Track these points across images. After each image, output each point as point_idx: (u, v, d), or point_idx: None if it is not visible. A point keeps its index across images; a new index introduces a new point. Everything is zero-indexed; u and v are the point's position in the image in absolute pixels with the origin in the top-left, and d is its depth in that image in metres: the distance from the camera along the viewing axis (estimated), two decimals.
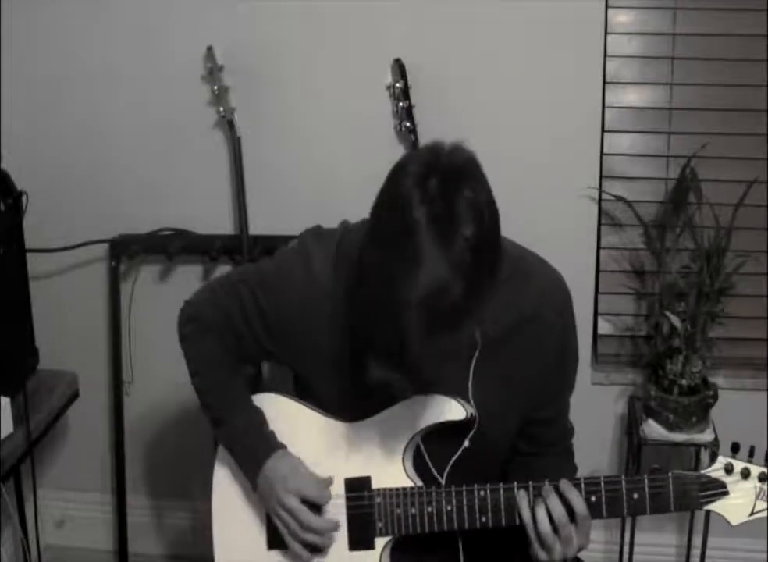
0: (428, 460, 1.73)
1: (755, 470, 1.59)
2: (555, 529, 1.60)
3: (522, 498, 1.64)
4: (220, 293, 1.79)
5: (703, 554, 2.57)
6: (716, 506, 1.60)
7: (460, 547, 1.75)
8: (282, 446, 1.76)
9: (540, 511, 1.61)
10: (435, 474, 1.73)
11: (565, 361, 1.75)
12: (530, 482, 1.65)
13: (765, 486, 1.58)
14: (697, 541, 2.60)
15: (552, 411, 1.78)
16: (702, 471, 1.61)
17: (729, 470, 1.59)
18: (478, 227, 1.39)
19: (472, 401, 1.68)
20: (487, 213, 1.41)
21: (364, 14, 2.51)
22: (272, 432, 1.77)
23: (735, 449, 1.61)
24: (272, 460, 1.74)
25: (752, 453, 1.60)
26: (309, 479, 1.73)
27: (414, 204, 1.38)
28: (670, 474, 1.60)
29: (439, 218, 1.37)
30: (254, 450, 1.76)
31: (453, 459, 1.71)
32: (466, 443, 1.70)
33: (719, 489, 1.59)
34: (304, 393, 1.80)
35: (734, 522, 1.60)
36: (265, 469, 1.73)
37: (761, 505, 1.59)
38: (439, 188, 1.39)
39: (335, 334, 1.68)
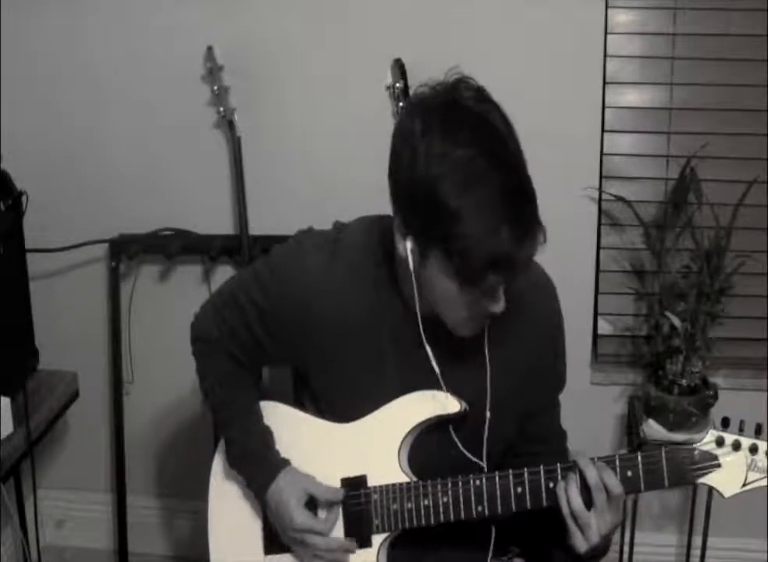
0: (461, 447, 1.72)
1: (746, 442, 1.59)
2: (587, 503, 1.59)
3: (558, 483, 1.63)
4: (220, 305, 1.81)
5: (703, 554, 2.58)
6: (708, 479, 1.60)
7: (492, 537, 1.75)
8: (286, 464, 1.77)
9: (572, 490, 1.61)
10: (472, 457, 1.71)
11: (556, 354, 1.78)
12: (541, 467, 1.64)
13: (756, 457, 1.58)
14: (697, 541, 2.60)
15: (548, 402, 1.80)
16: (694, 445, 1.61)
17: (720, 442, 1.59)
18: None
19: (489, 385, 1.68)
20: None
21: (364, 14, 2.51)
22: (277, 451, 1.79)
23: (726, 423, 1.61)
24: (275, 483, 1.75)
25: (741, 428, 1.61)
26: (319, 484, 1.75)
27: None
28: (662, 448, 1.61)
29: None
30: (259, 472, 1.77)
31: (485, 435, 1.70)
32: (488, 414, 1.69)
33: (711, 462, 1.59)
34: (303, 388, 1.81)
35: (726, 494, 1.60)
36: (274, 485, 1.75)
37: (753, 476, 1.58)
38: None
39: (334, 326, 1.69)
